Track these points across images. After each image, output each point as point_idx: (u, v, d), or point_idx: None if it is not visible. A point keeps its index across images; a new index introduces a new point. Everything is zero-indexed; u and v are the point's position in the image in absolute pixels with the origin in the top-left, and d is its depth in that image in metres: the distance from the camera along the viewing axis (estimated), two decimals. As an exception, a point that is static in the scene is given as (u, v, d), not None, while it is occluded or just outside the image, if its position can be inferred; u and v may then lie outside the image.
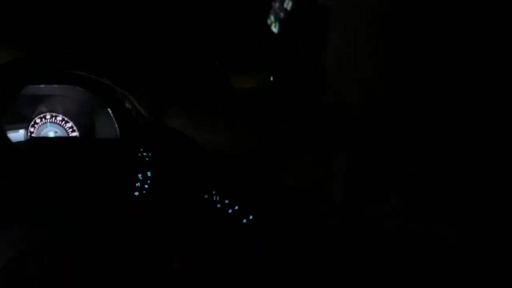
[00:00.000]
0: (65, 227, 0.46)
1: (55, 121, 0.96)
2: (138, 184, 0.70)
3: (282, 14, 0.65)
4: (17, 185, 0.53)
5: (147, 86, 0.69)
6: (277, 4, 0.66)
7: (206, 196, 0.74)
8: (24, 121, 0.91)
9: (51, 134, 0.95)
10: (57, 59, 0.70)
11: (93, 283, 0.32)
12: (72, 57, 0.71)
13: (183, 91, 0.73)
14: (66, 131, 0.97)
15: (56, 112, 0.96)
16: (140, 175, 0.70)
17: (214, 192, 0.75)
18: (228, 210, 0.61)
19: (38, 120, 0.94)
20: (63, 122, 0.97)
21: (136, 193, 0.70)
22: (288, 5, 0.63)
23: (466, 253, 0.23)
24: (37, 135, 0.94)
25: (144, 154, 0.72)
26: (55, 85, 0.84)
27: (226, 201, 0.67)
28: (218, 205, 0.66)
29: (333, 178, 0.42)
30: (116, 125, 0.90)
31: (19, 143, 0.71)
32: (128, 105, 0.70)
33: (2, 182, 0.48)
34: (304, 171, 0.50)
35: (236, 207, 0.61)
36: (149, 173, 0.71)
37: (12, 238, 0.43)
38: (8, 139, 0.58)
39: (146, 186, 0.71)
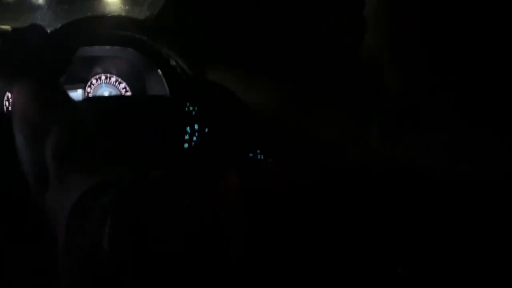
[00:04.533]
0: (121, 176, 0.49)
1: (110, 82, 1.02)
2: (187, 137, 0.75)
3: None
4: (77, 138, 0.57)
5: (189, 43, 0.72)
6: None
7: (251, 154, 0.78)
8: (81, 82, 0.97)
9: (106, 94, 1.01)
10: (108, 22, 0.74)
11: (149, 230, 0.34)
12: (122, 19, 0.75)
13: (227, 48, 0.75)
14: (120, 91, 1.03)
15: (110, 73, 1.02)
16: (188, 128, 0.75)
17: (258, 151, 0.78)
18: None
19: (94, 81, 1.00)
20: (117, 83, 1.02)
21: (186, 145, 0.74)
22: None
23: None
24: (94, 95, 1.00)
25: (191, 108, 0.76)
26: (108, 47, 0.89)
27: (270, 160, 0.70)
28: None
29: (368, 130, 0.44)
30: (165, 85, 0.95)
31: (78, 101, 0.77)
32: (172, 63, 0.74)
33: (64, 137, 0.53)
34: (341, 126, 0.51)
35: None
36: (196, 126, 0.75)
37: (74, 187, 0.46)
38: (68, 96, 0.62)
39: (194, 138, 0.75)
